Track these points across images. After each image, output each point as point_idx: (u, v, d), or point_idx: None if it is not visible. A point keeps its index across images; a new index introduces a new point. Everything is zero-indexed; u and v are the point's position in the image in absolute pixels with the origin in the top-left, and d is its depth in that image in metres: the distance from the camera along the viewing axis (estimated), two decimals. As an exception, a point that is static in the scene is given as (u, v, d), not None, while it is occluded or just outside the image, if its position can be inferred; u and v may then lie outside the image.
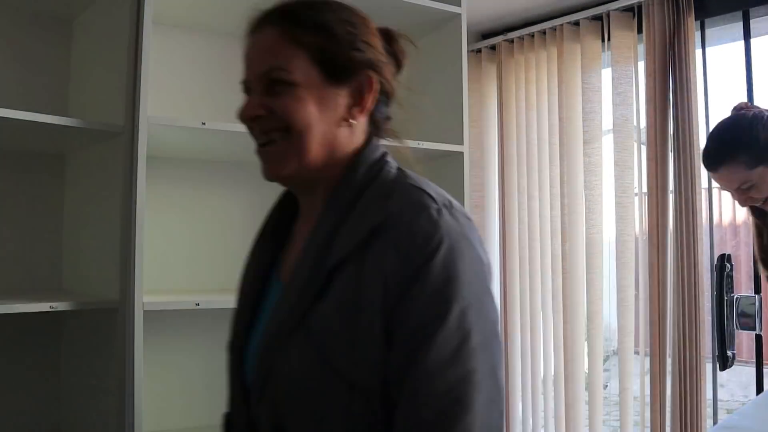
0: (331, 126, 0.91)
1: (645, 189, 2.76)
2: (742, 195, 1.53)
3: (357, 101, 0.92)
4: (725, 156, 1.51)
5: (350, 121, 0.92)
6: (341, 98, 0.91)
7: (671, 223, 2.65)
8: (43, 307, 1.42)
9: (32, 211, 1.83)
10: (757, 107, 1.52)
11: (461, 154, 1.88)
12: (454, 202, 0.90)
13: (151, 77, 1.85)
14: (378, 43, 0.95)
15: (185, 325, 1.92)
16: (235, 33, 2.04)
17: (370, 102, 0.93)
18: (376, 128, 0.98)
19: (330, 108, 0.90)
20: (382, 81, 0.95)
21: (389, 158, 0.96)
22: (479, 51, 3.39)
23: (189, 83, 1.98)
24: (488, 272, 0.88)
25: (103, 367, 1.57)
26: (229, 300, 1.65)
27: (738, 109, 1.54)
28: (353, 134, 0.94)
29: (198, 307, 1.52)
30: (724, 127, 1.54)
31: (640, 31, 2.77)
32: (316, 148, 0.90)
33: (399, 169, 0.95)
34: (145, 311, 1.48)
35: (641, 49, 2.80)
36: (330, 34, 0.90)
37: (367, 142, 0.95)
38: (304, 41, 0.89)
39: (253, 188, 2.05)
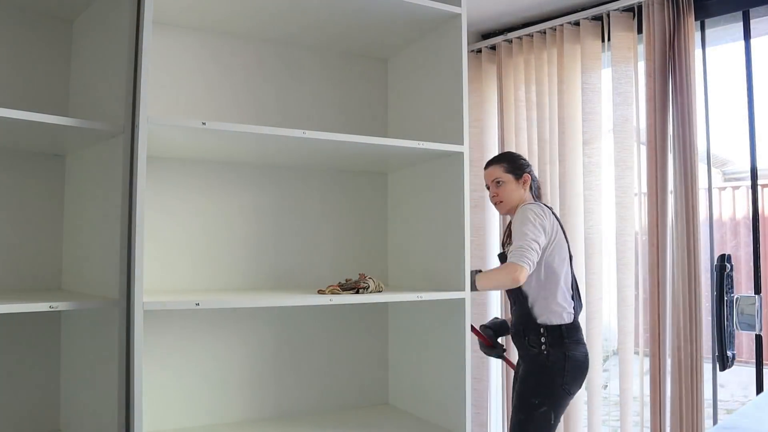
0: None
1: (645, 189, 2.76)
2: (492, 190, 2.45)
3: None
4: (493, 161, 2.48)
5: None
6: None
7: (671, 223, 2.66)
8: (43, 307, 1.42)
9: (32, 211, 1.83)
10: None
11: (461, 154, 1.88)
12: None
13: (151, 77, 1.85)
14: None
15: (185, 325, 1.92)
16: (234, 33, 2.05)
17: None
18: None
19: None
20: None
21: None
22: (479, 51, 3.39)
23: (189, 83, 1.98)
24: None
25: (103, 367, 1.57)
26: (228, 300, 1.65)
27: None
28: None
29: (198, 307, 1.52)
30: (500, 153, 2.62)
31: (640, 31, 2.78)
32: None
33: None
34: (145, 311, 1.48)
35: (641, 49, 2.80)
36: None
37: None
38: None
39: (251, 189, 2.06)
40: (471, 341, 1.89)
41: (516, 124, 3.23)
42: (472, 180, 3.32)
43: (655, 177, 2.66)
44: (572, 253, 2.43)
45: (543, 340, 2.26)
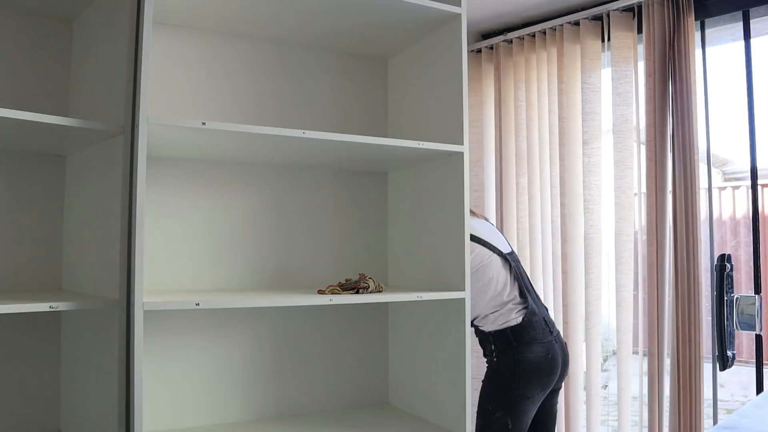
0: None
1: (644, 189, 2.77)
2: None
3: None
4: None
5: None
6: None
7: (670, 223, 2.66)
8: (43, 307, 1.42)
9: (32, 211, 1.83)
10: None
11: (461, 154, 1.88)
12: None
13: (151, 77, 1.85)
14: None
15: (185, 325, 1.92)
16: (234, 33, 2.05)
17: None
18: None
19: None
20: None
21: None
22: (479, 51, 3.39)
23: (189, 83, 1.98)
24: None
25: (103, 367, 1.57)
26: (228, 300, 1.65)
27: None
28: None
29: (198, 307, 1.52)
30: None
31: (640, 31, 2.78)
32: None
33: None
34: (145, 311, 1.48)
35: (641, 49, 2.80)
36: None
37: None
38: None
39: (251, 189, 2.06)
40: (471, 341, 1.89)
41: (516, 124, 3.23)
42: (472, 180, 3.33)
43: (655, 177, 2.66)
44: (512, 249, 2.38)
45: (493, 347, 2.23)
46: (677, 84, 2.62)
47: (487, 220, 2.47)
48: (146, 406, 1.82)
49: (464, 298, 1.86)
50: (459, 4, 1.91)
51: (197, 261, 1.96)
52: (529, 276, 2.39)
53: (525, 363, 2.19)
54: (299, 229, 2.12)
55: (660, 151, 2.67)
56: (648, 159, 2.69)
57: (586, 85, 2.95)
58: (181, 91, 1.97)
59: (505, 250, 2.33)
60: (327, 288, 1.78)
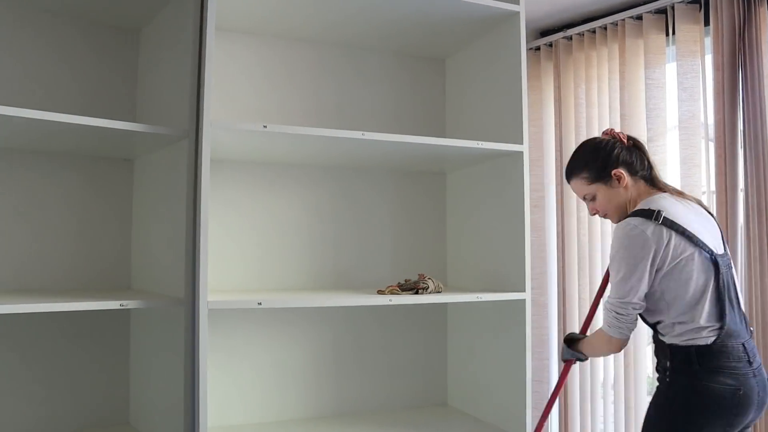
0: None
1: (713, 187, 2.67)
2: (588, 204, 1.91)
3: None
4: (572, 172, 1.89)
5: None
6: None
7: (741, 222, 2.56)
8: (113, 305, 1.48)
9: (103, 213, 1.91)
10: (612, 136, 1.90)
11: (521, 153, 1.86)
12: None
13: (214, 82, 1.90)
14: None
15: (247, 323, 1.96)
16: (293, 37, 2.08)
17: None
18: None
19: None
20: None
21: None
22: (538, 49, 3.34)
23: (251, 88, 2.02)
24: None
25: (170, 363, 1.62)
26: (290, 299, 1.68)
27: (603, 134, 1.94)
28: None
29: (260, 306, 1.55)
30: (576, 149, 1.95)
31: (707, 23, 2.68)
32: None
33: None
34: (209, 309, 1.52)
35: (708, 42, 2.70)
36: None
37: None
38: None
39: (311, 190, 2.08)
40: (531, 342, 1.87)
41: (576, 123, 3.17)
42: (532, 180, 3.28)
43: (724, 175, 2.56)
44: (726, 251, 1.82)
45: (668, 364, 1.74)
46: (748, 77, 2.51)
47: (701, 204, 1.90)
48: (211, 401, 1.87)
49: (525, 299, 1.84)
50: (517, 2, 1.89)
51: (259, 261, 2.00)
52: (738, 287, 1.82)
53: (706, 394, 1.68)
54: (359, 229, 2.14)
55: (730, 147, 2.56)
56: (717, 156, 2.60)
57: (650, 80, 2.86)
58: (242, 95, 2.01)
59: (717, 250, 1.77)
60: (386, 288, 1.79)
